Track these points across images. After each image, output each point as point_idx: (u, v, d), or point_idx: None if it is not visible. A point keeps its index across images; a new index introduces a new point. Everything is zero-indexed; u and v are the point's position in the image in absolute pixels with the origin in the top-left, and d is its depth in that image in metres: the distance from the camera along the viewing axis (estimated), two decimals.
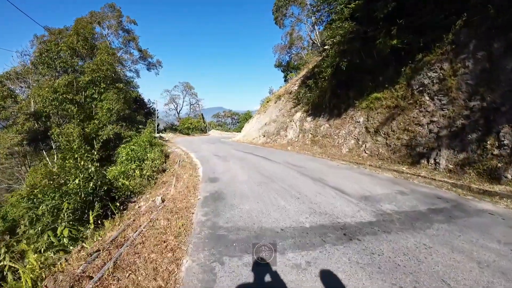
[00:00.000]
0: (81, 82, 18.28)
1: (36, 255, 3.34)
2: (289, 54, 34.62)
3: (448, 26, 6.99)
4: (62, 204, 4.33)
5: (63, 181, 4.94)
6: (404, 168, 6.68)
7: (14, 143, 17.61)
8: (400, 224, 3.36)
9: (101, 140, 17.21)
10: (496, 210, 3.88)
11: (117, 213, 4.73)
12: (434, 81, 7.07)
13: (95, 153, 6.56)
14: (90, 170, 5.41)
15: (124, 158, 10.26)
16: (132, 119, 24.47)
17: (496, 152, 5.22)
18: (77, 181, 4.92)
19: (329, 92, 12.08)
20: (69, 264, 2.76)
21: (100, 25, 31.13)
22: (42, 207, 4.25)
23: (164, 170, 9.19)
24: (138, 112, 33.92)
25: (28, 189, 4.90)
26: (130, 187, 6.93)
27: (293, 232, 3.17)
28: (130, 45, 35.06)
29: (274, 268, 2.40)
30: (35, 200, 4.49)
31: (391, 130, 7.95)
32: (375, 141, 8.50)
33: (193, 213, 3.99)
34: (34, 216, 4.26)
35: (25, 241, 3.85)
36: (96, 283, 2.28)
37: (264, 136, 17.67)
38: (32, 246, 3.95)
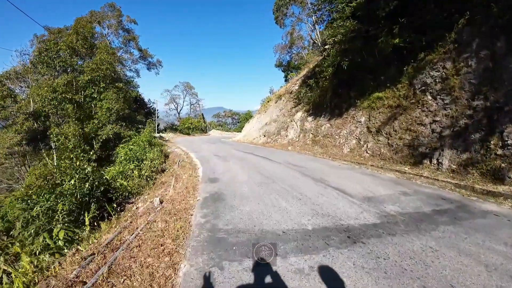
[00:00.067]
0: (80, 82, 18.18)
1: (30, 257, 3.24)
2: (290, 54, 34.61)
3: (451, 25, 6.91)
4: (57, 205, 4.24)
5: (58, 182, 4.84)
6: (406, 169, 6.59)
7: (13, 143, 17.53)
8: (405, 226, 3.27)
9: (101, 140, 17.14)
10: (501, 211, 3.81)
11: (114, 214, 4.63)
12: (437, 80, 6.98)
13: (91, 153, 6.44)
14: (86, 171, 5.31)
15: (122, 158, 10.16)
16: (132, 119, 24.38)
17: (499, 152, 5.15)
18: (72, 181, 4.81)
19: (330, 92, 12.00)
20: (63, 268, 2.66)
21: (100, 24, 31.08)
22: (37, 208, 4.15)
23: (163, 170, 9.10)
24: (138, 112, 33.84)
25: (22, 189, 4.80)
26: (128, 187, 6.83)
27: (295, 234, 3.08)
28: (130, 44, 35.05)
29: (276, 273, 2.31)
30: (29, 201, 4.39)
31: (393, 130, 7.86)
32: (376, 141, 8.41)
33: (192, 215, 3.90)
34: (29, 217, 4.16)
35: (18, 244, 3.75)
36: None
37: (264, 136, 17.58)
38: (27, 248, 3.86)
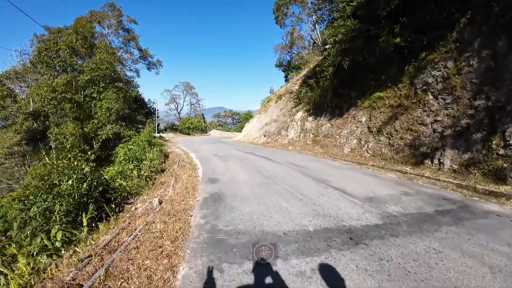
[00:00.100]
0: (80, 81, 18.14)
1: (27, 259, 3.19)
2: (290, 54, 34.58)
3: (452, 24, 6.88)
4: (55, 206, 4.18)
5: (56, 182, 4.78)
6: (407, 169, 6.54)
7: (13, 143, 17.49)
8: (407, 227, 3.22)
9: (100, 140, 17.10)
10: (503, 211, 3.78)
11: (113, 215, 4.57)
12: (438, 79, 6.94)
13: (89, 152, 6.38)
14: (85, 171, 5.25)
15: (121, 158, 10.10)
16: (132, 119, 24.33)
17: (501, 152, 5.12)
18: (70, 182, 4.76)
19: (331, 92, 11.95)
20: (59, 270, 2.61)
21: (100, 24, 31.04)
22: (34, 209, 4.09)
23: (163, 170, 9.05)
24: (138, 111, 33.78)
25: (20, 190, 4.75)
26: (127, 188, 6.77)
27: (296, 236, 3.02)
28: (130, 44, 35.01)
29: (277, 275, 2.26)
30: (26, 202, 4.34)
31: (394, 130, 7.82)
32: (377, 141, 8.36)
33: (191, 216, 3.84)
34: (26, 218, 4.11)
35: (14, 245, 3.70)
36: None
37: (265, 136, 17.54)
38: (24, 249, 3.81)
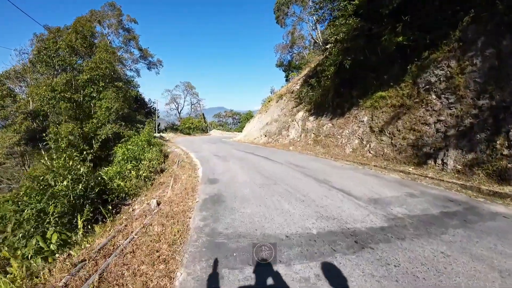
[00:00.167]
0: (79, 81, 18.02)
1: (20, 262, 3.08)
2: (291, 54, 34.51)
3: (455, 23, 6.79)
4: (49, 207, 4.06)
5: (52, 183, 4.66)
6: (410, 169, 6.44)
7: (12, 143, 17.37)
8: (414, 230, 3.12)
9: (100, 140, 16.97)
10: (509, 213, 3.71)
11: (109, 217, 4.45)
12: (441, 79, 6.85)
13: (85, 152, 6.25)
14: (81, 171, 5.12)
15: (120, 158, 9.97)
16: (132, 119, 24.20)
17: (505, 152, 5.04)
18: (65, 182, 4.64)
19: (332, 91, 11.84)
20: (52, 275, 2.51)
21: (101, 24, 30.96)
22: (27, 210, 3.97)
23: (162, 171, 8.94)
24: (138, 111, 33.67)
25: (14, 191, 4.64)
26: (125, 188, 6.66)
27: (299, 239, 2.92)
28: (130, 44, 34.91)
29: (280, 281, 2.15)
30: (19, 203, 4.21)
31: (397, 130, 7.71)
32: (379, 141, 8.26)
33: (190, 218, 3.73)
34: (21, 219, 3.99)
35: (6, 248, 3.59)
36: None
37: (265, 136, 17.43)
38: (19, 252, 3.70)
